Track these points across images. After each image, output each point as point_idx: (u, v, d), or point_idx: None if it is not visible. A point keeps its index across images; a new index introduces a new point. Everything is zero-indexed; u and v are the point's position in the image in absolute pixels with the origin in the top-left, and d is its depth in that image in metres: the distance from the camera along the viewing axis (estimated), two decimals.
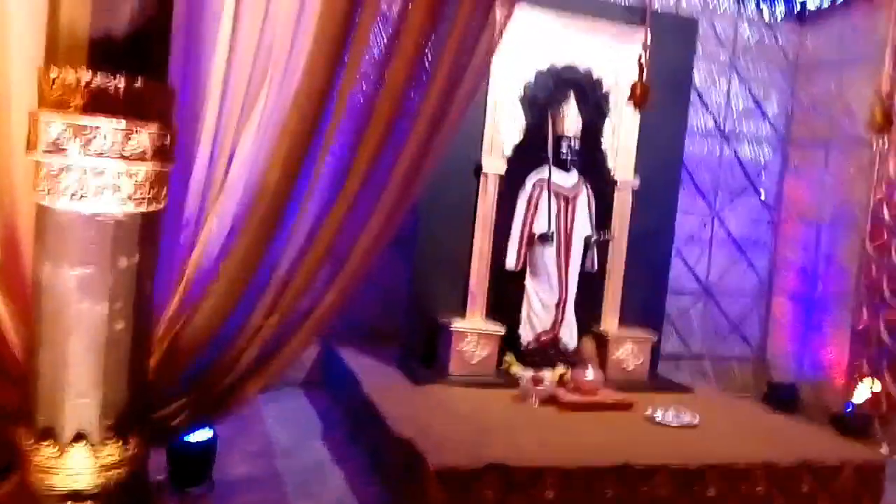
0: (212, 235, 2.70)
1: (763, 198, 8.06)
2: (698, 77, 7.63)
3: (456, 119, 3.02)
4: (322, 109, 2.70)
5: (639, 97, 3.41)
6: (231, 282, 2.64)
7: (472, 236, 5.92)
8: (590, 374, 5.42)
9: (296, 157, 2.65)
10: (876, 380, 6.81)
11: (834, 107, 7.48)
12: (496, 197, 5.93)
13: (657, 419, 5.17)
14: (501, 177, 5.94)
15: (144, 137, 2.24)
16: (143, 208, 2.28)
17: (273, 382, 2.94)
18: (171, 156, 2.37)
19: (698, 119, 7.69)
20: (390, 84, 2.81)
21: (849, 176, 7.31)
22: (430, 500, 3.88)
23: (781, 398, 7.38)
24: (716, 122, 7.76)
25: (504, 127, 5.90)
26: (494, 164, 5.88)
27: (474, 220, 5.91)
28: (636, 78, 3.60)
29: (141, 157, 2.24)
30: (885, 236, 6.78)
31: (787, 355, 7.84)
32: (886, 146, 6.79)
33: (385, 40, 2.91)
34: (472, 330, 5.74)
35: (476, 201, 5.91)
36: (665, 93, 6.24)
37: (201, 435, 4.12)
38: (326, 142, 2.77)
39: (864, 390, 6.87)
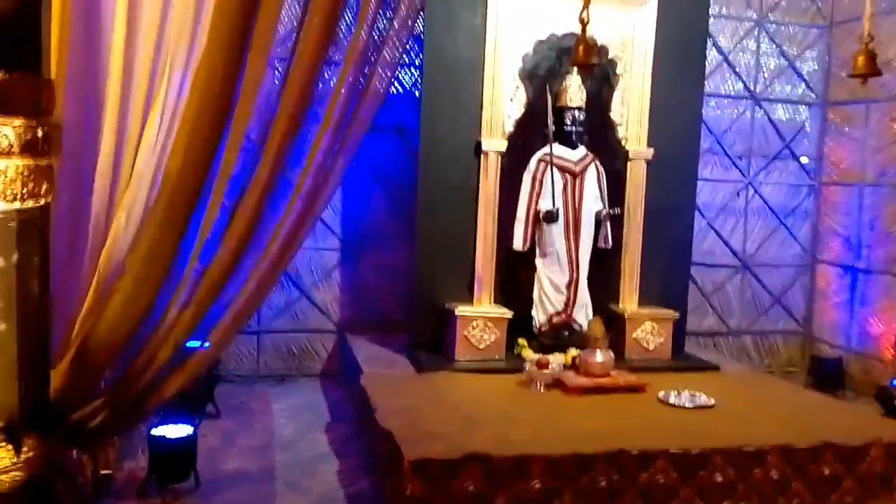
0: (121, 230, 2.61)
1: (805, 161, 7.58)
2: (724, 39, 7.24)
3: (380, 90, 2.85)
4: (226, 91, 2.56)
5: (581, 56, 3.15)
6: (138, 277, 2.54)
7: (476, 218, 5.72)
8: (598, 356, 5.17)
9: (198, 143, 2.53)
10: None
11: None
12: (498, 176, 5.72)
13: (670, 401, 4.90)
14: (504, 154, 5.72)
15: (9, 132, 2.15)
16: (17, 205, 2.20)
17: (194, 380, 2.83)
18: (51, 149, 2.27)
19: (725, 83, 7.29)
20: (301, 60, 2.65)
21: (891, 134, 6.81)
22: (408, 493, 3.74)
23: (826, 373, 6.99)
24: (745, 84, 7.33)
25: (503, 102, 5.67)
26: (494, 141, 5.66)
27: (477, 201, 5.71)
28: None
29: (7, 153, 2.15)
30: None
31: (834, 328, 7.39)
32: None
33: (295, 14, 2.75)
34: (478, 314, 5.57)
35: (478, 181, 5.70)
36: (678, 55, 5.96)
37: (179, 431, 4.09)
38: (237, 126, 2.63)
39: None
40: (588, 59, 3.19)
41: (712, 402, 4.89)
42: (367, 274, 6.66)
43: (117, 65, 2.57)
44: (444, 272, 5.76)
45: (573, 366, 5.36)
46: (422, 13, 5.11)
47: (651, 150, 5.94)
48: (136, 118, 2.62)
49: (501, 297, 5.82)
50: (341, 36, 2.69)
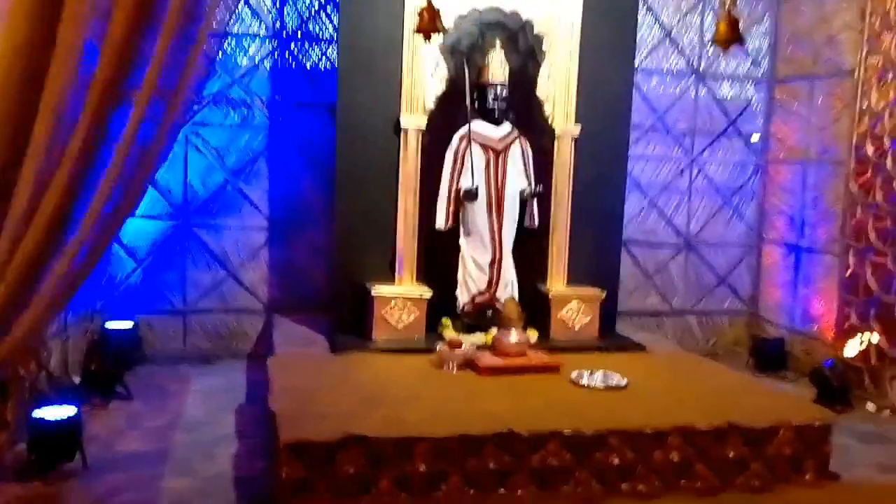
0: None
1: (755, 140, 7.45)
2: (666, 15, 7.10)
3: (205, 60, 2.73)
4: (32, 63, 2.44)
5: (425, 23, 3.03)
6: None
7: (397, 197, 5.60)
8: (513, 336, 5.07)
9: (2, 116, 2.41)
10: (869, 332, 6.23)
11: (817, 38, 6.82)
12: (419, 153, 5.59)
13: (582, 382, 4.81)
14: (426, 132, 5.59)
15: None
16: None
17: (7, 361, 2.73)
18: None
19: (668, 59, 7.15)
20: (116, 28, 2.53)
21: (835, 111, 6.67)
22: (283, 476, 3.65)
23: (768, 354, 6.91)
24: (688, 61, 7.18)
25: (424, 78, 5.53)
26: (414, 118, 5.53)
27: (398, 179, 5.59)
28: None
29: None
30: (869, 173, 6.16)
31: (779, 308, 7.30)
32: (867, 74, 6.16)
33: None
34: (396, 294, 5.46)
35: (399, 159, 5.58)
36: (607, 31, 5.82)
37: (61, 412, 4.00)
38: (48, 99, 2.51)
39: (855, 344, 6.31)
40: (433, 27, 3.07)
41: (624, 382, 4.80)
42: (296, 253, 6.56)
43: None
44: (366, 252, 5.64)
45: (493, 346, 5.27)
46: None
47: (578, 127, 5.81)
48: None
49: (426, 277, 5.71)
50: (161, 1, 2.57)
